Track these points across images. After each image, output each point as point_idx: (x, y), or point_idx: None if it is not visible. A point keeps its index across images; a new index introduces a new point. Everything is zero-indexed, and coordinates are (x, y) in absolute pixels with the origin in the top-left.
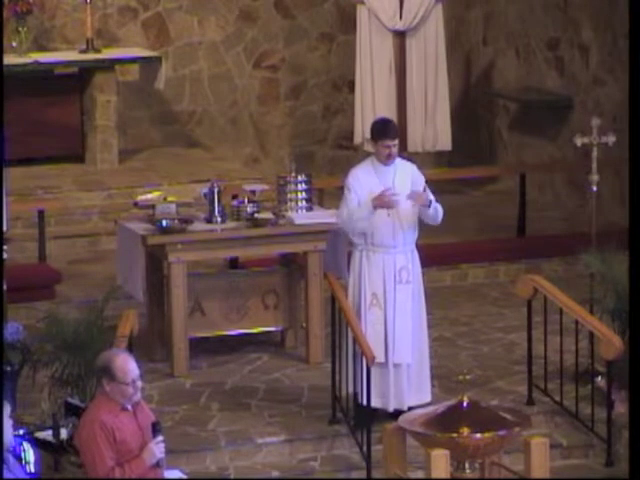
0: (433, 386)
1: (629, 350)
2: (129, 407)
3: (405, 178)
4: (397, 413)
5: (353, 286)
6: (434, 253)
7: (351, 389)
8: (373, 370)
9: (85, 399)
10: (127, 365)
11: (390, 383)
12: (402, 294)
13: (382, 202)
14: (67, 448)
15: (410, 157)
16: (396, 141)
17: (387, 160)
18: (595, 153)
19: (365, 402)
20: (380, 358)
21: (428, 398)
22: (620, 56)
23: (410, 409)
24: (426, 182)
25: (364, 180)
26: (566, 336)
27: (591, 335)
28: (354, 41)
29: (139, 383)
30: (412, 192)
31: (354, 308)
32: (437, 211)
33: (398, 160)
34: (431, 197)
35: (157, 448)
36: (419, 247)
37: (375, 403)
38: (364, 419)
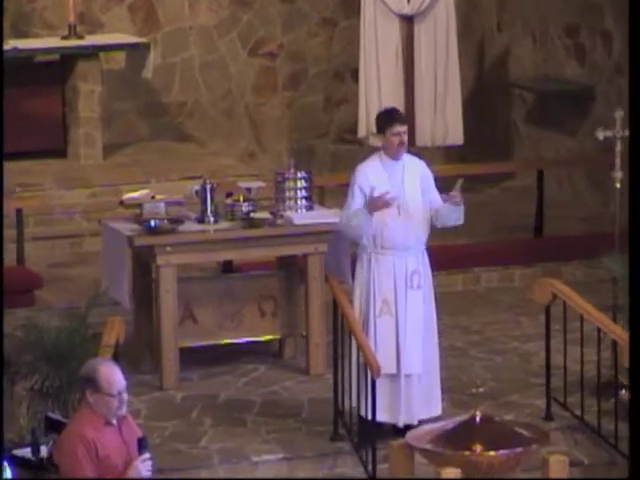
0: (443, 400)
1: (629, 351)
2: (114, 421)
3: (414, 175)
4: (403, 429)
5: (360, 292)
6: (444, 255)
7: (355, 402)
8: (383, 382)
9: (67, 414)
10: (113, 375)
11: (401, 396)
12: (413, 300)
13: (376, 206)
14: (47, 466)
15: (418, 152)
16: (406, 127)
17: (398, 150)
18: (619, 147)
19: (370, 416)
20: (391, 369)
21: (438, 411)
22: None
23: (420, 423)
24: (435, 180)
25: (372, 177)
26: (587, 345)
27: (614, 344)
28: (358, 26)
29: (125, 396)
30: (450, 196)
31: (361, 316)
32: (461, 215)
33: (406, 155)
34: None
35: (143, 466)
36: (427, 249)
37: (384, 418)
38: (368, 435)
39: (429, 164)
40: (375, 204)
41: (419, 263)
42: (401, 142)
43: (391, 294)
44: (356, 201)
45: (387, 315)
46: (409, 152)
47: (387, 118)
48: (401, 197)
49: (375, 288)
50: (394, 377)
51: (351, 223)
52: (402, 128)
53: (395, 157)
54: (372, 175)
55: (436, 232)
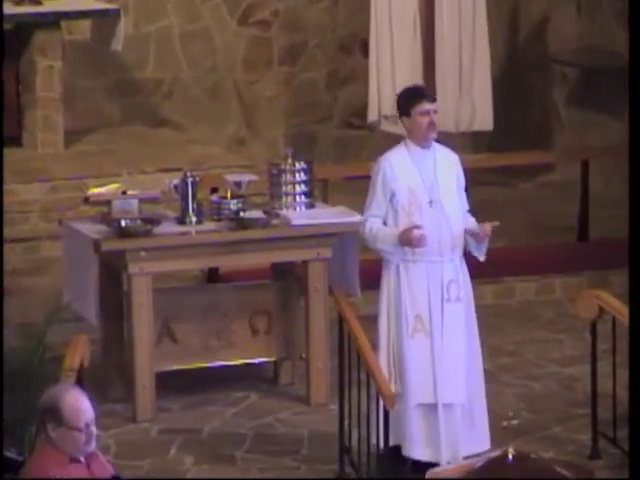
0: None
1: (630, 355)
2: (81, 458)
3: (449, 167)
4: (422, 466)
5: (388, 307)
6: (471, 263)
7: (373, 440)
8: (418, 413)
9: (23, 451)
10: (79, 405)
11: (441, 429)
12: (452, 315)
13: (409, 241)
14: None
15: (439, 140)
16: (435, 106)
17: (428, 133)
18: None
19: (387, 450)
20: (429, 398)
21: (486, 445)
22: None
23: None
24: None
25: (399, 170)
26: None
27: None
28: None
29: (94, 429)
30: (480, 229)
31: (390, 336)
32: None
33: (436, 145)
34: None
35: None
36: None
37: (423, 455)
38: (383, 473)
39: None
40: (408, 237)
41: (458, 271)
42: (431, 122)
43: (425, 309)
44: (378, 202)
45: (421, 334)
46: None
47: (412, 95)
48: (434, 192)
49: (406, 302)
50: (431, 408)
51: (376, 245)
52: (431, 106)
53: (424, 142)
54: (398, 167)
55: None
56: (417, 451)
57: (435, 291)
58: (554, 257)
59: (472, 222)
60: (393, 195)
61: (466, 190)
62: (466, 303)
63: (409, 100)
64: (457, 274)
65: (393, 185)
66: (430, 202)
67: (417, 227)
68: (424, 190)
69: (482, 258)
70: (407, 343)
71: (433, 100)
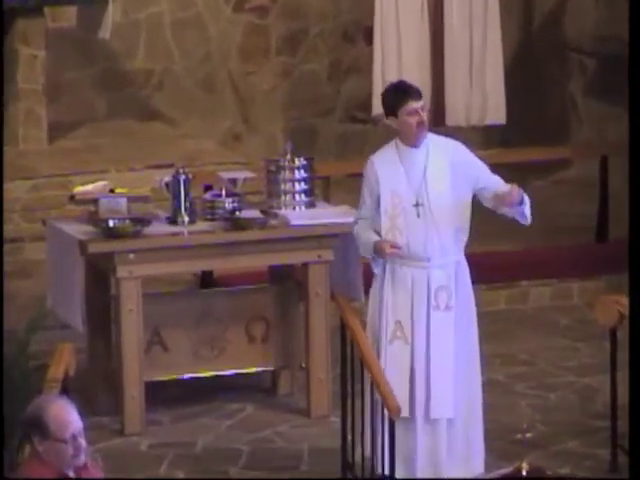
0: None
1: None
2: (70, 473)
3: (442, 163)
4: None
5: (373, 311)
6: (483, 265)
7: (368, 452)
8: (397, 428)
9: (2, 469)
10: (65, 416)
11: (418, 446)
12: (439, 324)
13: (382, 252)
14: None
15: (449, 134)
16: (422, 103)
17: (418, 133)
18: None
19: (387, 471)
20: (403, 412)
21: (480, 468)
22: None
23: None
24: None
25: (385, 171)
26: None
27: None
28: None
29: (82, 441)
30: (497, 195)
31: (374, 342)
32: (527, 205)
33: (431, 137)
34: (519, 191)
35: None
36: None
37: (397, 473)
38: None
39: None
40: (380, 251)
41: (449, 277)
42: (420, 122)
43: (407, 315)
44: (365, 204)
45: (400, 341)
46: (439, 132)
47: (397, 94)
48: (423, 195)
49: (388, 306)
50: (409, 422)
51: (359, 250)
52: (418, 104)
53: (415, 143)
54: (384, 169)
55: (473, 235)
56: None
57: (420, 298)
58: (571, 260)
59: (500, 184)
60: (377, 197)
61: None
62: (461, 311)
63: (394, 100)
64: (448, 281)
65: (376, 187)
66: (417, 205)
67: (395, 245)
68: (411, 193)
69: (528, 222)
70: (384, 349)
71: (419, 97)
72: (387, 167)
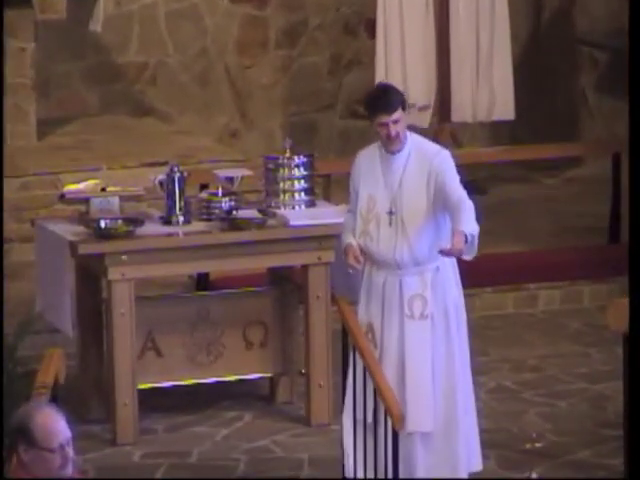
0: (487, 458)
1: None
2: None
3: (419, 171)
4: None
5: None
6: (489, 268)
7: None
8: (357, 429)
9: (1, 469)
10: (52, 424)
11: (380, 456)
12: (415, 333)
13: (346, 258)
14: None
15: (454, 132)
16: (395, 115)
17: (389, 144)
18: None
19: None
20: (367, 416)
21: (463, 474)
22: None
23: None
24: (471, 180)
25: (367, 170)
26: None
27: None
28: None
29: (70, 450)
30: (442, 250)
31: None
32: (473, 244)
33: (419, 143)
34: (463, 237)
35: None
36: (465, 260)
37: (357, 474)
38: None
39: (471, 143)
40: (345, 256)
41: (425, 285)
42: (389, 135)
43: (377, 320)
44: (351, 198)
45: (369, 344)
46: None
47: (368, 107)
48: (397, 202)
49: (363, 307)
50: (369, 428)
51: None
52: (389, 118)
53: (389, 151)
54: (366, 168)
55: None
56: (349, 469)
57: (391, 304)
58: (582, 262)
59: (453, 200)
60: (356, 196)
61: (467, 183)
62: (439, 320)
63: (366, 110)
64: (424, 288)
65: (357, 185)
66: (390, 213)
67: (357, 259)
68: (385, 199)
69: (467, 258)
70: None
71: (391, 110)
72: (369, 167)
